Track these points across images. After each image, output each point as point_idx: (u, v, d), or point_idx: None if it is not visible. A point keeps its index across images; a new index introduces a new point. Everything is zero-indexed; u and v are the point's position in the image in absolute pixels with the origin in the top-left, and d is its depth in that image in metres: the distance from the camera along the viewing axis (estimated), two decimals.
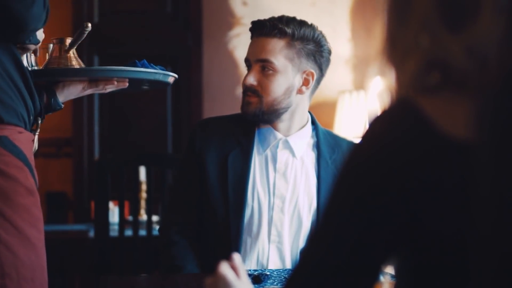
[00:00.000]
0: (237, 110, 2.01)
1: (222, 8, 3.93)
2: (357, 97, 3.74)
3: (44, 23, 1.60)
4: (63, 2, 3.80)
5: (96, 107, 3.86)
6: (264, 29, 1.91)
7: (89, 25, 1.76)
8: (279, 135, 1.96)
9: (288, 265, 1.90)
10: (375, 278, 0.88)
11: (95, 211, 2.51)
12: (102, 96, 3.81)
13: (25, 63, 1.72)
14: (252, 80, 1.92)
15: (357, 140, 0.99)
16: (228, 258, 1.11)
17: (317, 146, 1.98)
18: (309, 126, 2.00)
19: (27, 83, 1.61)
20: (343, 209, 0.87)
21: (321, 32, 1.95)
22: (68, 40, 1.81)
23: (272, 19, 1.92)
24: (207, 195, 1.92)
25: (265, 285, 1.65)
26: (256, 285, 1.63)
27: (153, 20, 3.90)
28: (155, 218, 3.35)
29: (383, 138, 0.86)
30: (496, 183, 0.77)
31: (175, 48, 3.92)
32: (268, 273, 1.71)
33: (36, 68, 1.82)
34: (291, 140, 1.96)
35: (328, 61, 1.97)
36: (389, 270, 1.42)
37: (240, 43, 3.90)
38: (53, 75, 1.78)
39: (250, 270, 1.80)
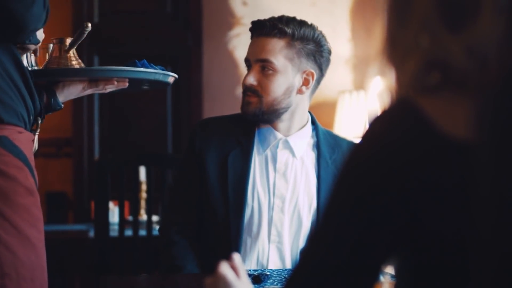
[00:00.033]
0: (237, 110, 2.01)
1: (222, 8, 3.93)
2: (357, 97, 3.74)
3: (44, 23, 1.60)
4: (63, 2, 3.79)
5: (96, 107, 3.86)
6: (264, 29, 1.91)
7: (89, 25, 1.76)
8: (279, 135, 1.96)
9: (288, 265, 1.90)
10: (375, 278, 0.88)
11: (95, 211, 2.51)
12: (102, 96, 3.81)
13: (25, 63, 1.72)
14: (252, 80, 1.92)
15: (357, 140, 0.99)
16: (228, 258, 1.11)
17: (317, 146, 1.98)
18: (309, 126, 2.00)
19: (27, 83, 1.61)
20: (343, 209, 0.87)
21: (321, 32, 1.95)
22: (68, 40, 1.81)
23: (272, 19, 1.92)
24: (207, 195, 1.92)
25: (265, 285, 1.65)
26: (256, 285, 1.63)
27: (153, 20, 3.90)
28: (155, 218, 3.35)
29: (383, 138, 0.86)
30: (496, 183, 0.77)
31: (175, 48, 3.92)
32: (268, 273, 1.71)
33: (36, 68, 1.82)
34: (291, 140, 1.96)
35: (328, 61, 1.97)
36: (389, 270, 1.42)
37: (240, 43, 3.90)
38: (53, 75, 1.77)
39: (250, 270, 1.79)
